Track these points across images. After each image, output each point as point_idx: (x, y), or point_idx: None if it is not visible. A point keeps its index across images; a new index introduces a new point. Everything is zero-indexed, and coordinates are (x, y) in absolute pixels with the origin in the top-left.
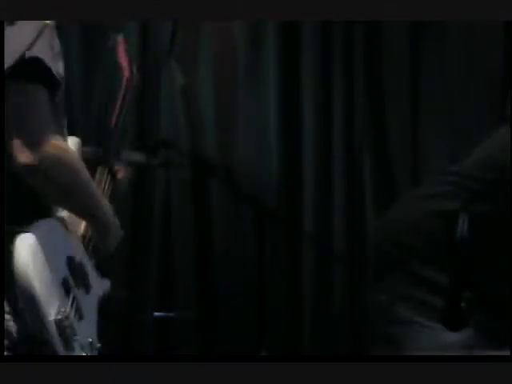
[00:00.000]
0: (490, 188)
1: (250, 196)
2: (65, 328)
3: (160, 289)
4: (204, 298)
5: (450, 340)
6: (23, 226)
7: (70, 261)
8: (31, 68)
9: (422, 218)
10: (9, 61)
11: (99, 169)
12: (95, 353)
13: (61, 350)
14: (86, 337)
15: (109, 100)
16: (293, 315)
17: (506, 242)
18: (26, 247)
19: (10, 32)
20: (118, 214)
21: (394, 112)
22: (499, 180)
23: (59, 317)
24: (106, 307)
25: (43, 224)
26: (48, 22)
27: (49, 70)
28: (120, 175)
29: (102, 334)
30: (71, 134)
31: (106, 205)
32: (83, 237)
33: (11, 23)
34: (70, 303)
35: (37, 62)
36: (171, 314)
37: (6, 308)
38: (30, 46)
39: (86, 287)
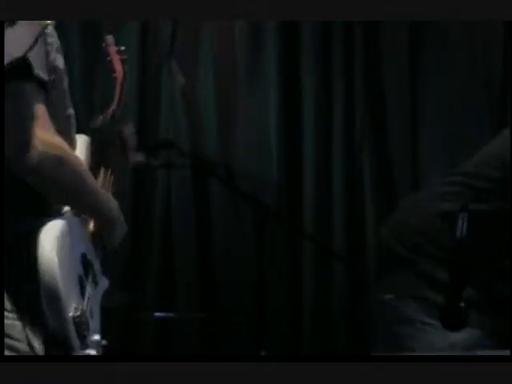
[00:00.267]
0: (497, 186)
1: (250, 196)
2: (81, 325)
3: (160, 289)
4: (204, 297)
5: (454, 339)
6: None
7: (84, 258)
8: (20, 69)
9: (429, 219)
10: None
11: (102, 167)
12: (100, 350)
13: (77, 348)
14: (94, 334)
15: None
16: (293, 315)
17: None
18: (51, 240)
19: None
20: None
21: (394, 112)
22: (507, 179)
23: (77, 313)
24: (106, 306)
25: (65, 218)
26: (48, 22)
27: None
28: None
29: (103, 333)
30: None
31: (110, 201)
32: (93, 234)
33: (10, 24)
34: (85, 300)
35: (24, 61)
36: (171, 314)
37: (9, 306)
38: (22, 48)
39: (96, 284)
